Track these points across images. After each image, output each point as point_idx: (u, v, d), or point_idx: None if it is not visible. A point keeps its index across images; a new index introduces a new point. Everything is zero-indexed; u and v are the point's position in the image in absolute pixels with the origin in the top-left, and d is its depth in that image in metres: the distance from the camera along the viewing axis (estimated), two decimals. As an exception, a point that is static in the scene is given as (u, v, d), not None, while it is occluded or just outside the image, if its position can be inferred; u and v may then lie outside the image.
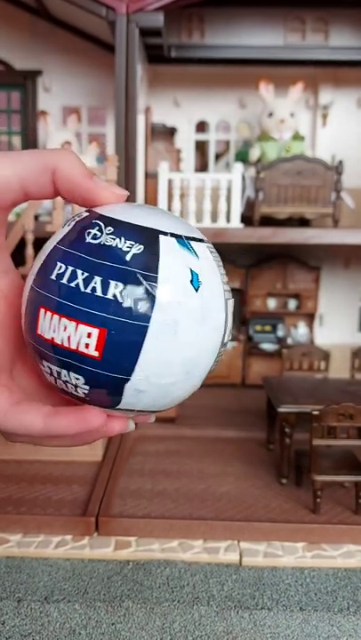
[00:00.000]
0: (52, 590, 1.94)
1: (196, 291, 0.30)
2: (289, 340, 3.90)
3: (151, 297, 0.29)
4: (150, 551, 2.11)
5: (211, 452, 2.88)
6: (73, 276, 0.30)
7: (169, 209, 3.02)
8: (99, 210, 0.32)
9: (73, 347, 0.30)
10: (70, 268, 0.30)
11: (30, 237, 2.79)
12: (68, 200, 0.33)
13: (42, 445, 0.38)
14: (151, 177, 3.18)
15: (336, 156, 3.66)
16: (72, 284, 0.30)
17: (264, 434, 2.98)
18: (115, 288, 0.29)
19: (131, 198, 2.90)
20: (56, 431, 0.34)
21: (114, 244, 0.30)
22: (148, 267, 0.29)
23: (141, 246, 0.30)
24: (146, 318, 0.29)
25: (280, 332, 3.92)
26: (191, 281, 0.30)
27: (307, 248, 3.81)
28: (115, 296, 0.29)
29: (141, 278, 0.29)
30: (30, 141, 3.70)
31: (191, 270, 0.30)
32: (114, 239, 0.30)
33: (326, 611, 1.88)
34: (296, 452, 2.49)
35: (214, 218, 3.07)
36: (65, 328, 0.30)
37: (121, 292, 0.29)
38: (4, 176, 0.31)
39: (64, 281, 0.30)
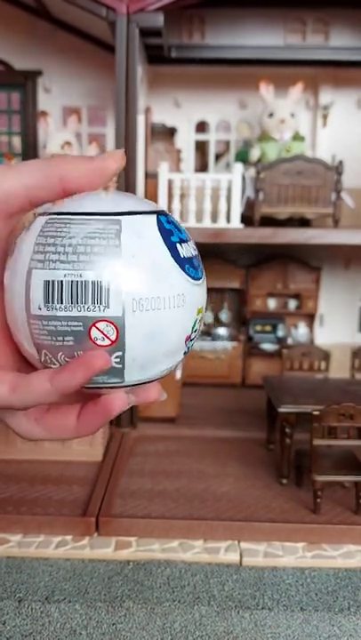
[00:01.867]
0: (52, 590, 1.94)
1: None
2: (289, 340, 3.90)
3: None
4: (151, 551, 2.11)
5: (211, 452, 2.88)
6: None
7: (169, 209, 3.03)
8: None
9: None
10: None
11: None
12: (80, 191, 0.34)
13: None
14: (151, 177, 3.18)
15: (336, 157, 3.66)
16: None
17: (264, 434, 2.98)
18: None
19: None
20: (65, 385, 0.33)
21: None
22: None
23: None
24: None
25: (280, 332, 3.92)
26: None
27: (307, 248, 3.81)
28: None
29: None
30: (30, 142, 3.70)
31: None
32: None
33: (327, 611, 1.88)
34: (296, 453, 2.49)
35: (214, 218, 3.07)
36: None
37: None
38: (11, 186, 0.33)
39: None
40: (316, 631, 1.85)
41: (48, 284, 0.32)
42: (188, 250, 0.35)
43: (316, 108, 3.80)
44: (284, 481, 2.52)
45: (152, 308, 0.33)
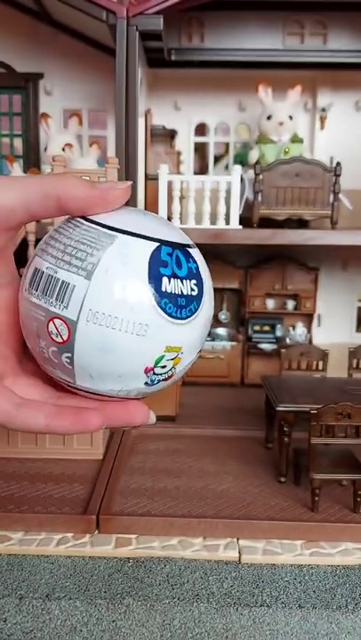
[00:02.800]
0: (53, 588, 1.95)
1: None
2: (288, 340, 3.93)
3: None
4: (150, 549, 2.13)
5: (210, 450, 2.90)
6: None
7: (169, 210, 3.05)
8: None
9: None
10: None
11: (32, 239, 2.82)
12: (81, 214, 0.36)
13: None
14: (151, 179, 3.20)
15: (334, 158, 3.68)
16: None
17: (263, 433, 3.00)
18: None
19: (131, 200, 2.92)
20: (56, 431, 0.37)
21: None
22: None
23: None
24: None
25: (279, 332, 3.94)
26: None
27: (305, 249, 3.84)
28: None
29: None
30: (32, 144, 3.73)
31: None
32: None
33: (325, 608, 1.89)
34: (295, 451, 2.51)
35: (214, 219, 3.09)
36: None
37: None
38: (10, 201, 0.34)
39: None
40: (315, 628, 1.86)
41: (35, 271, 0.35)
42: (177, 287, 0.34)
43: (314, 110, 3.83)
44: (283, 479, 2.54)
45: (106, 324, 0.33)
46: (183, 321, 0.35)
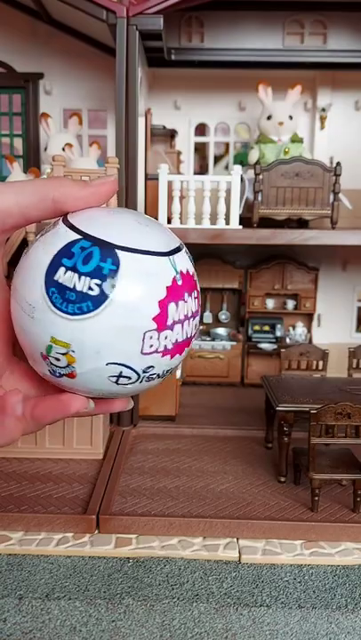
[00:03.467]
0: (52, 588, 1.95)
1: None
2: (288, 340, 3.93)
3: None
4: (150, 548, 2.13)
5: (210, 450, 2.91)
6: None
7: (169, 210, 3.05)
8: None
9: None
10: None
11: (32, 238, 2.82)
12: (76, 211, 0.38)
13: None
14: (151, 179, 3.20)
15: (334, 158, 3.68)
16: None
17: (263, 432, 3.00)
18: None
19: (131, 200, 2.93)
20: (41, 417, 0.38)
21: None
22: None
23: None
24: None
25: (279, 332, 3.95)
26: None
27: (305, 249, 3.84)
28: None
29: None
30: (32, 144, 3.73)
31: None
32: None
33: (324, 608, 1.89)
34: (294, 451, 2.51)
35: (214, 219, 3.09)
36: None
37: None
38: (6, 205, 0.35)
39: None
40: (314, 628, 1.86)
41: None
42: (71, 280, 0.34)
43: (314, 110, 3.83)
44: (283, 479, 2.54)
45: (15, 299, 0.36)
46: (70, 316, 0.34)
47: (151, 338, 0.34)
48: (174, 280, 0.35)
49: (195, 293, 0.37)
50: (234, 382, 3.93)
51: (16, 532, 2.20)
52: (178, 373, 3.23)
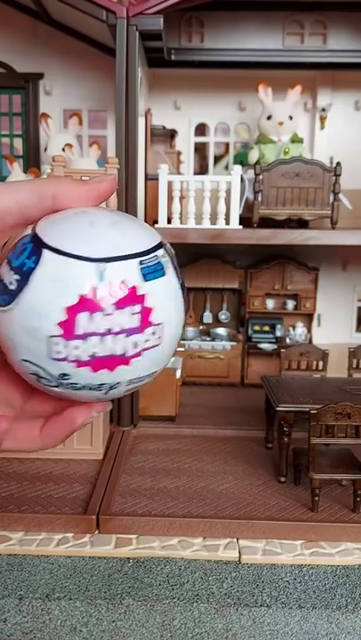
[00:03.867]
0: (53, 588, 1.95)
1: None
2: (288, 340, 3.93)
3: None
4: (150, 549, 2.13)
5: (210, 450, 2.91)
6: None
7: (169, 211, 3.05)
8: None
9: None
10: None
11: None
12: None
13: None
14: (151, 179, 3.20)
15: (334, 158, 3.68)
16: None
17: (263, 433, 3.00)
18: None
19: (131, 200, 2.93)
20: (51, 443, 0.39)
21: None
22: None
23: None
24: None
25: (279, 332, 3.95)
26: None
27: (305, 249, 3.84)
28: None
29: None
30: (32, 144, 3.73)
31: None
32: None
33: (325, 608, 1.89)
34: (294, 451, 2.51)
35: (214, 219, 3.09)
36: None
37: None
38: (4, 204, 0.35)
39: None
40: (314, 628, 1.87)
41: None
42: (5, 273, 0.34)
43: (314, 110, 3.83)
44: (283, 479, 2.54)
45: None
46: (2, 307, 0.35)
47: (57, 344, 0.33)
48: (94, 289, 0.32)
49: (135, 309, 0.33)
50: (234, 382, 3.93)
51: (16, 532, 2.20)
52: (178, 373, 3.24)
